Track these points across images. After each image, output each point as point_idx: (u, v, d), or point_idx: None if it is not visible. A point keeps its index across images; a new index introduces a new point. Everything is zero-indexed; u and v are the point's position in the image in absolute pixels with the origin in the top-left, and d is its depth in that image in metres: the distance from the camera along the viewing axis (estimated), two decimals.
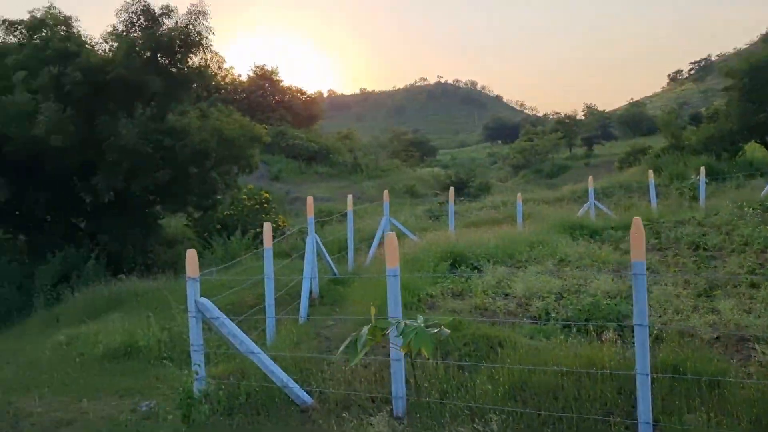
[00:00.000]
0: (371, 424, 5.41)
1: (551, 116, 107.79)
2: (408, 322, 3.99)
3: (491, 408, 5.39)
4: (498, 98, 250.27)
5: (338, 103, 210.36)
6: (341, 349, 4.13)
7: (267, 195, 22.24)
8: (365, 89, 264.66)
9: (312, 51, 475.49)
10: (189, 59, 18.14)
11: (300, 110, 59.98)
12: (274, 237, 10.09)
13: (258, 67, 61.06)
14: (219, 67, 21.11)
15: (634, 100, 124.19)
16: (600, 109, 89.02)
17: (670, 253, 10.92)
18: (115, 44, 17.47)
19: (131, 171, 16.54)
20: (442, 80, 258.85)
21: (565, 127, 71.12)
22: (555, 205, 21.14)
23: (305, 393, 6.24)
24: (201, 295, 6.60)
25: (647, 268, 6.24)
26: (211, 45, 18.00)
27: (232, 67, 71.42)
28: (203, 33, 17.74)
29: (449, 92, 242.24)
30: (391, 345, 5.56)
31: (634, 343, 5.93)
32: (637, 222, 4.90)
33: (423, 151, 79.65)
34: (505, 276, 9.46)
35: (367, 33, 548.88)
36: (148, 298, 12.46)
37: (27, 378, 8.75)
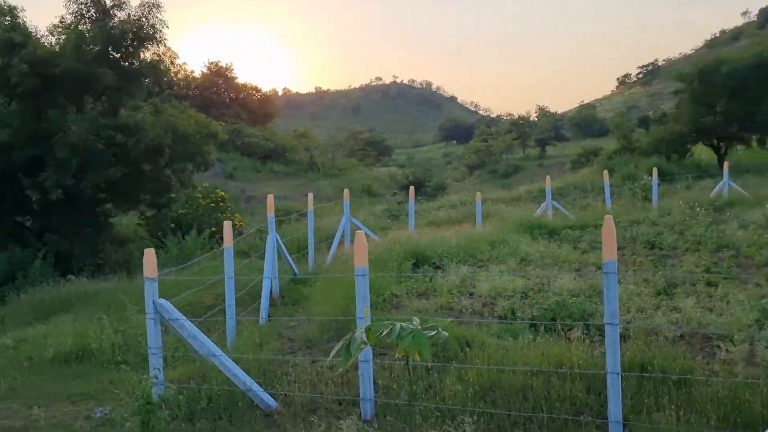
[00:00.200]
0: (340, 428, 5.28)
1: (505, 117, 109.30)
2: (404, 324, 3.84)
3: (462, 409, 5.32)
4: (453, 99, 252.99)
5: (294, 102, 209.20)
6: (332, 354, 3.94)
7: (222, 193, 21.88)
8: (321, 88, 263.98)
9: (267, 49, 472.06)
10: (142, 53, 17.67)
11: (255, 108, 59.20)
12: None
13: (212, 63, 60.01)
14: (172, 63, 20.57)
15: (585, 102, 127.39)
16: (552, 111, 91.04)
17: (627, 252, 11.14)
18: (63, 36, 16.85)
19: (81, 167, 15.99)
20: (398, 80, 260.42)
21: (519, 128, 72.39)
22: (512, 205, 21.38)
23: (269, 396, 6.07)
24: (158, 296, 6.35)
25: None
26: (165, 39, 17.61)
27: (185, 63, 70.08)
28: (157, 26, 17.36)
29: (405, 92, 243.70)
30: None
31: (601, 341, 5.98)
32: (609, 221, 4.88)
33: (379, 151, 79.72)
34: (468, 275, 9.47)
35: (323, 31, 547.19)
36: (99, 299, 11.96)
37: None
